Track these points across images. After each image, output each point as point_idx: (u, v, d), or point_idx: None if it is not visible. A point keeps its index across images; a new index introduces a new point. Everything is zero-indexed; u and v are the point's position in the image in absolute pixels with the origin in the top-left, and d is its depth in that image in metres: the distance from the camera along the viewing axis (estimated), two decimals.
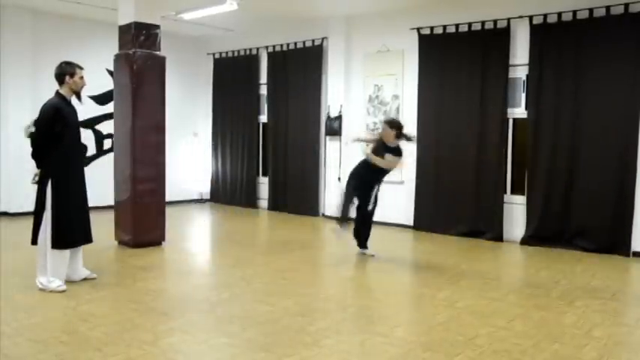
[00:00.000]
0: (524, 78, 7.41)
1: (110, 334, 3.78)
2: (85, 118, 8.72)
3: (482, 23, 7.55)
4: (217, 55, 11.08)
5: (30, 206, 5.23)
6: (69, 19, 9.35)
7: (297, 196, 9.80)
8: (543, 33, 7.07)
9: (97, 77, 8.85)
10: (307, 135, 9.62)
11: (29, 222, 4.92)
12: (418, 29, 8.15)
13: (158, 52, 6.82)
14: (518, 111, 7.50)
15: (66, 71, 4.90)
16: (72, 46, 9.07)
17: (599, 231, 6.72)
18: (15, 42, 8.81)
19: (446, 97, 7.92)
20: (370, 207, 6.33)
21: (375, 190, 6.31)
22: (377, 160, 6.14)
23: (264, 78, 10.37)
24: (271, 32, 9.99)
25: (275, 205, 10.14)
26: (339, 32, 9.12)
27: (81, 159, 5.39)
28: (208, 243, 8.08)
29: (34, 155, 4.90)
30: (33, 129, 8.02)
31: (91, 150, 9.57)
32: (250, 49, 10.52)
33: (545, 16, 7.05)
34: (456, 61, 7.79)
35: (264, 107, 10.48)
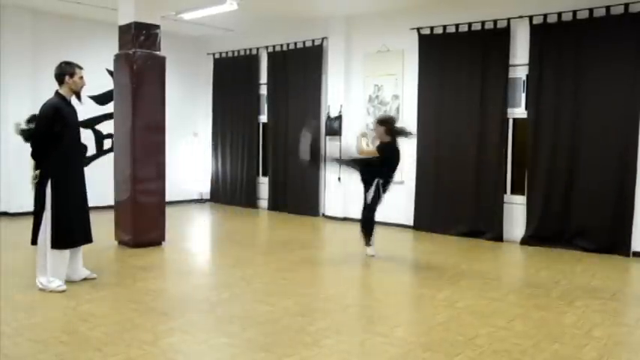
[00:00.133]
0: (524, 78, 7.41)
1: (110, 334, 3.78)
2: (85, 118, 8.72)
3: (482, 23, 7.55)
4: (217, 55, 11.08)
5: (30, 206, 5.23)
6: (69, 19, 9.35)
7: (297, 196, 9.80)
8: (543, 33, 7.07)
9: (97, 77, 8.86)
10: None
11: (29, 222, 4.92)
12: (418, 29, 8.15)
13: (158, 52, 6.82)
14: (518, 111, 7.50)
15: (65, 71, 4.90)
16: (72, 46, 9.07)
17: (599, 231, 6.72)
18: (15, 42, 8.81)
19: (446, 97, 7.92)
20: (368, 201, 6.34)
21: (375, 185, 6.28)
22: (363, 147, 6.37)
23: (264, 78, 10.37)
24: (271, 32, 9.99)
25: (275, 205, 10.14)
26: (339, 32, 9.13)
27: (81, 159, 5.39)
28: (208, 243, 8.08)
29: (33, 155, 4.90)
30: (24, 126, 8.04)
31: (91, 150, 9.57)
32: (250, 49, 10.52)
33: (545, 16, 7.05)
34: (456, 61, 7.79)
35: (264, 107, 10.48)
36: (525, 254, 6.87)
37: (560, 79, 6.96)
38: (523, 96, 7.46)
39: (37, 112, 5.00)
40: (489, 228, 7.55)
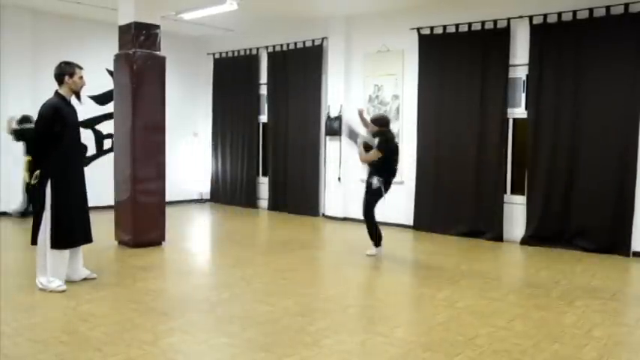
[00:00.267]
0: (524, 78, 7.41)
1: (110, 334, 3.78)
2: (85, 118, 8.68)
3: (482, 23, 7.55)
4: (217, 55, 11.08)
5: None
6: (69, 19, 9.35)
7: (297, 196, 9.80)
8: (543, 33, 7.07)
9: (97, 77, 8.77)
10: (307, 135, 9.62)
11: (29, 222, 4.92)
12: (418, 29, 8.15)
13: (158, 52, 6.82)
14: (518, 111, 7.50)
15: (65, 71, 4.90)
16: (72, 46, 9.07)
17: (599, 231, 6.72)
18: (15, 42, 8.81)
19: (446, 97, 7.92)
20: (367, 195, 6.39)
21: (373, 182, 6.31)
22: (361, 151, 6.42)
23: (264, 78, 10.37)
24: (271, 32, 9.99)
25: (275, 205, 10.14)
26: (339, 32, 9.13)
27: (81, 159, 5.38)
28: (208, 243, 8.08)
29: (33, 155, 4.89)
30: (15, 126, 8.04)
31: (91, 150, 9.52)
32: (250, 49, 10.52)
33: (545, 16, 7.05)
34: (456, 61, 7.79)
35: (264, 107, 10.48)
36: (525, 254, 6.87)
37: (560, 79, 6.96)
38: (523, 96, 7.46)
39: (30, 113, 5.00)
40: (489, 228, 7.55)
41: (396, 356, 3.50)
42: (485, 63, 7.54)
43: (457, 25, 7.78)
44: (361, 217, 6.62)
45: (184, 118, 10.90)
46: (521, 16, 7.24)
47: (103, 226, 6.69)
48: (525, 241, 7.24)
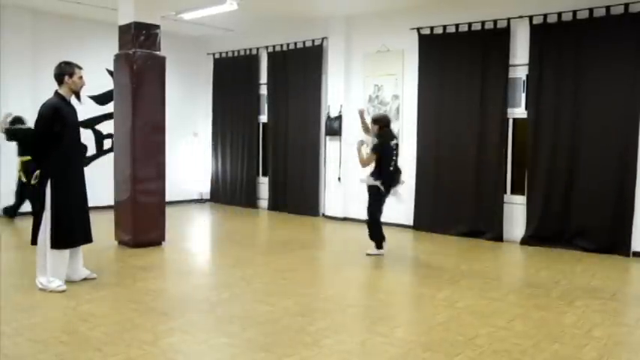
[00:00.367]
0: (524, 78, 7.41)
1: (110, 334, 3.78)
2: (85, 118, 8.71)
3: (482, 23, 7.55)
4: (217, 55, 11.08)
5: (30, 206, 5.23)
6: (69, 19, 9.34)
7: (297, 196, 9.80)
8: (543, 33, 7.07)
9: (97, 77, 8.84)
10: (307, 135, 9.62)
11: (29, 222, 4.92)
12: (418, 29, 8.15)
13: (158, 52, 6.82)
14: (518, 111, 7.50)
15: (65, 71, 4.90)
16: (72, 46, 9.07)
17: (599, 231, 6.72)
18: (15, 42, 8.80)
19: (446, 97, 7.92)
20: (369, 197, 6.46)
21: (368, 181, 6.37)
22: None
23: (264, 78, 10.37)
24: (271, 32, 9.99)
25: (275, 205, 10.14)
26: (339, 32, 9.13)
27: (81, 159, 5.39)
28: (208, 243, 8.08)
29: (33, 155, 4.89)
30: (7, 125, 8.02)
31: (91, 150, 9.56)
32: (250, 49, 10.52)
33: (545, 16, 7.05)
34: (456, 61, 7.79)
35: (264, 107, 10.48)
36: (525, 254, 6.87)
37: (560, 79, 6.96)
38: (523, 96, 7.46)
39: (30, 112, 5.00)
40: (489, 228, 7.55)
41: (396, 356, 3.50)
42: (485, 63, 7.54)
43: (457, 25, 7.77)
44: (361, 217, 6.63)
45: (184, 118, 10.90)
46: (521, 16, 7.24)
47: (103, 226, 6.69)
48: (525, 241, 7.24)
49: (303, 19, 9.28)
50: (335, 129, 9.16)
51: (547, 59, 7.04)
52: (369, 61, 8.86)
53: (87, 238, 5.08)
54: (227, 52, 10.91)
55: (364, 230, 6.57)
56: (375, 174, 6.36)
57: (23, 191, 8.27)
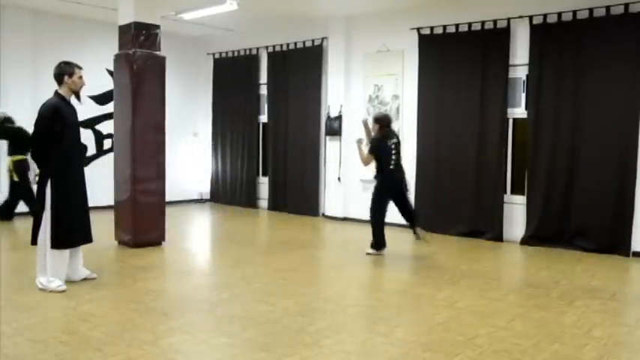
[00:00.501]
0: (524, 78, 7.41)
1: (110, 334, 3.78)
2: (85, 118, 8.72)
3: (482, 23, 7.55)
4: (217, 55, 11.08)
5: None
6: (69, 19, 9.34)
7: (297, 196, 9.80)
8: (543, 33, 7.07)
9: (97, 77, 8.86)
10: (307, 135, 9.62)
11: (29, 222, 4.92)
12: (418, 29, 8.15)
13: (158, 52, 6.82)
14: (518, 111, 7.50)
15: (65, 71, 4.90)
16: (72, 46, 9.08)
17: (599, 231, 6.72)
18: (15, 42, 8.80)
19: (446, 97, 7.92)
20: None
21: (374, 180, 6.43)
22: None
23: (264, 78, 10.37)
24: (271, 32, 9.99)
25: (275, 205, 10.14)
26: (339, 32, 9.13)
27: (81, 159, 5.39)
28: (208, 243, 8.08)
29: (33, 156, 4.89)
30: None
31: (91, 150, 9.57)
32: (250, 49, 10.52)
33: (545, 16, 7.05)
34: (456, 61, 7.79)
35: (264, 107, 10.48)
36: (525, 254, 6.87)
37: (560, 79, 6.96)
38: (523, 96, 7.46)
39: (30, 112, 4.99)
40: (489, 228, 7.55)
41: (396, 356, 3.50)
42: (485, 63, 7.54)
43: (457, 25, 7.78)
44: (361, 217, 6.64)
45: (184, 118, 10.90)
46: (521, 16, 7.24)
47: (103, 226, 6.69)
48: (525, 241, 7.24)
49: (303, 19, 9.28)
50: (335, 129, 9.16)
51: (547, 59, 7.04)
52: (369, 61, 8.86)
53: (87, 238, 5.08)
54: (227, 52, 10.91)
55: (364, 230, 6.59)
56: (376, 172, 6.41)
57: (15, 190, 8.28)
